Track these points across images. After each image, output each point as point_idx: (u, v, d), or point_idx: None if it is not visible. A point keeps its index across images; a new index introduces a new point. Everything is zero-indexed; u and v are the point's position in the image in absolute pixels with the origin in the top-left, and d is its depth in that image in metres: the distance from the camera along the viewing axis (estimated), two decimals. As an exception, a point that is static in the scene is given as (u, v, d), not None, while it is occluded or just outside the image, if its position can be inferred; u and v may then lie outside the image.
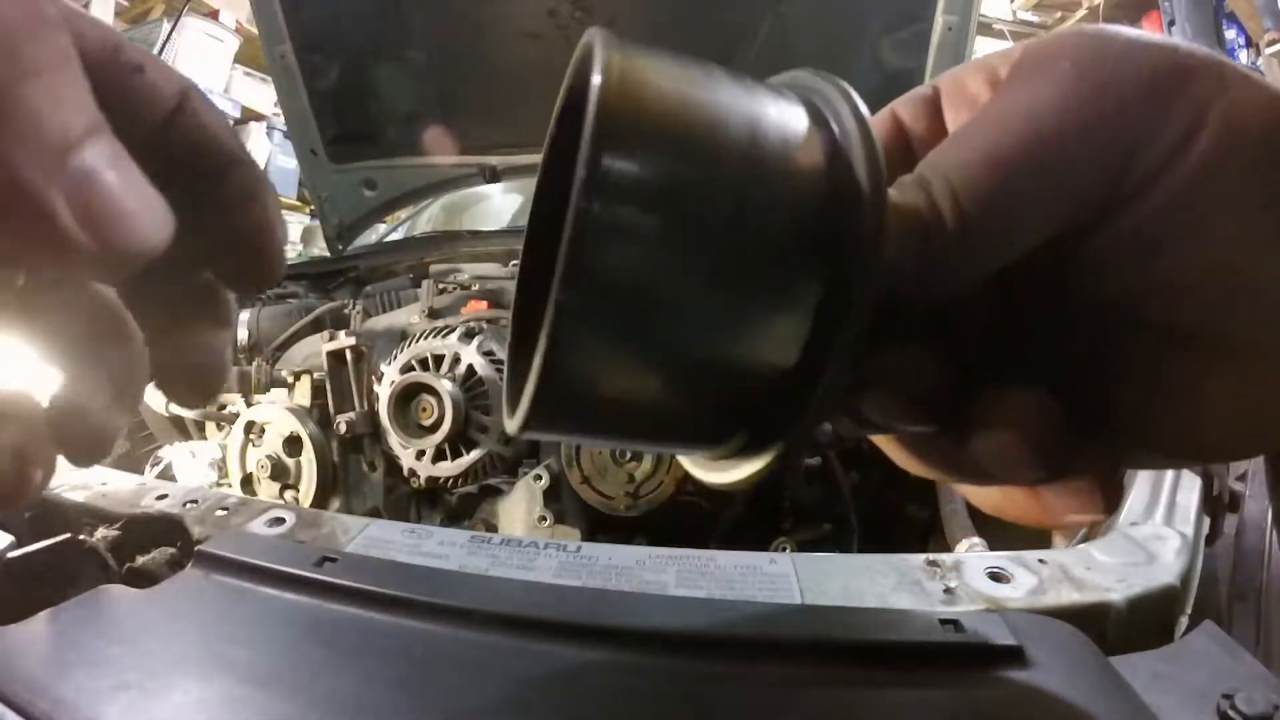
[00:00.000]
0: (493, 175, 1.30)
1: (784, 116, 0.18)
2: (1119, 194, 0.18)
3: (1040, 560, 0.41)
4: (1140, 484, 0.50)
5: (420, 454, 0.83)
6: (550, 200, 0.21)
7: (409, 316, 1.00)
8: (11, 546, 0.40)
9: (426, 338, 0.89)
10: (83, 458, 0.22)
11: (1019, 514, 0.22)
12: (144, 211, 0.16)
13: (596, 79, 0.16)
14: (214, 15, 3.25)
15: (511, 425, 0.19)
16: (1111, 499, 0.21)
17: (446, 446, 0.82)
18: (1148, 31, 0.19)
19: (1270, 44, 2.04)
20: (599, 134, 0.15)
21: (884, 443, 0.23)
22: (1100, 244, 0.19)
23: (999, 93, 0.20)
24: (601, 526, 0.79)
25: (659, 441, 0.22)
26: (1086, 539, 0.49)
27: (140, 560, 0.43)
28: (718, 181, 0.17)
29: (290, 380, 0.91)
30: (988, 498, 0.23)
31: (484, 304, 0.96)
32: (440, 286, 1.00)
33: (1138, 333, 0.19)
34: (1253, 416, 0.19)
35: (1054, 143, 0.18)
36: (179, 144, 0.22)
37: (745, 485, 0.19)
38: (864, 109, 0.18)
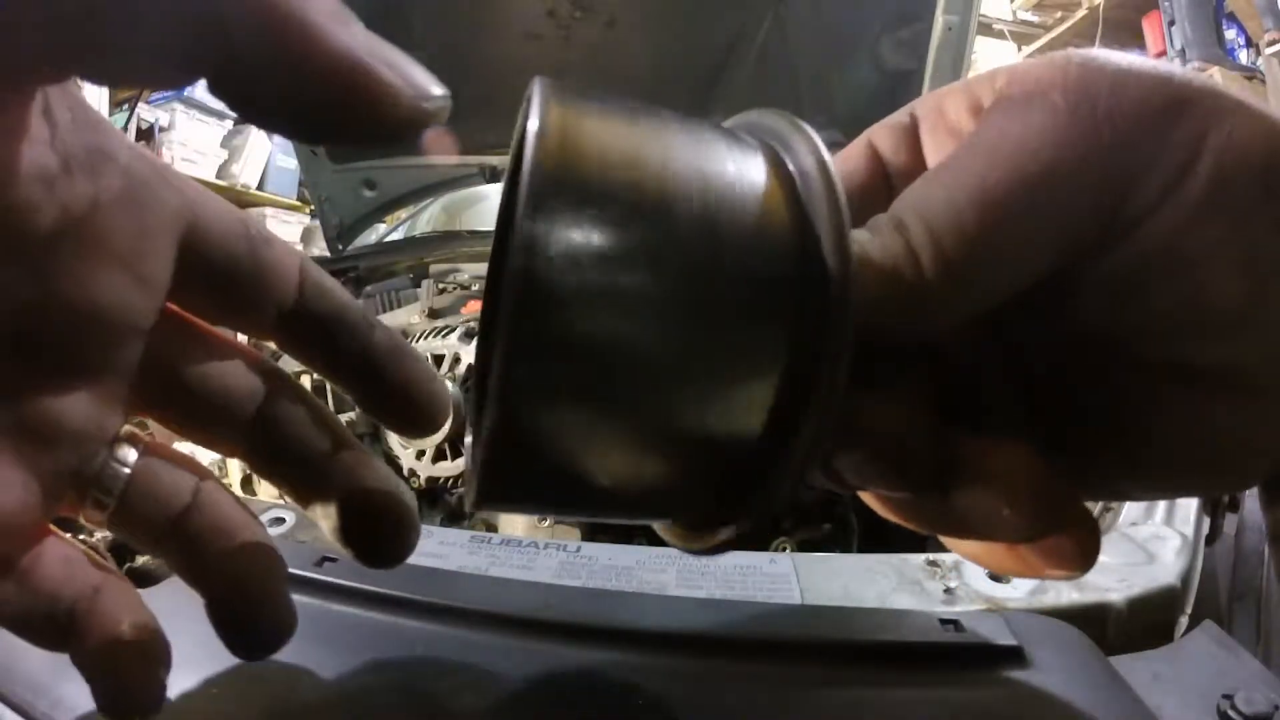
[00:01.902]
0: (493, 175, 1.30)
1: (741, 170, 0.17)
2: (1114, 229, 0.17)
3: (1040, 560, 0.41)
4: (1140, 484, 0.50)
5: (420, 454, 0.83)
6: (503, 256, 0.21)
7: (409, 316, 1.00)
8: (11, 546, 0.40)
9: (426, 338, 0.89)
10: (260, 648, 0.21)
11: (998, 567, 0.22)
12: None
13: (531, 136, 0.15)
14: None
15: (469, 497, 0.18)
16: (1089, 557, 0.20)
17: (447, 446, 0.82)
18: (1140, 58, 0.18)
19: (1270, 44, 2.04)
20: (534, 196, 0.14)
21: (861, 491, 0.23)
22: (1095, 279, 0.18)
23: (981, 125, 0.19)
24: (601, 526, 0.78)
25: (623, 515, 0.21)
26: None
27: (140, 560, 0.43)
28: (667, 246, 0.15)
29: (290, 380, 0.91)
30: (965, 548, 0.23)
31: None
32: (440, 286, 1.00)
33: (1135, 367, 0.19)
34: (1249, 448, 0.19)
35: (1045, 179, 0.17)
36: (314, 314, 0.22)
37: (714, 554, 0.19)
38: (827, 157, 0.17)
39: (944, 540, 0.23)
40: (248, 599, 0.21)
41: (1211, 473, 0.20)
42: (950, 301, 0.18)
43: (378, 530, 0.22)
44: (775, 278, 0.16)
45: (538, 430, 0.16)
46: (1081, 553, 0.20)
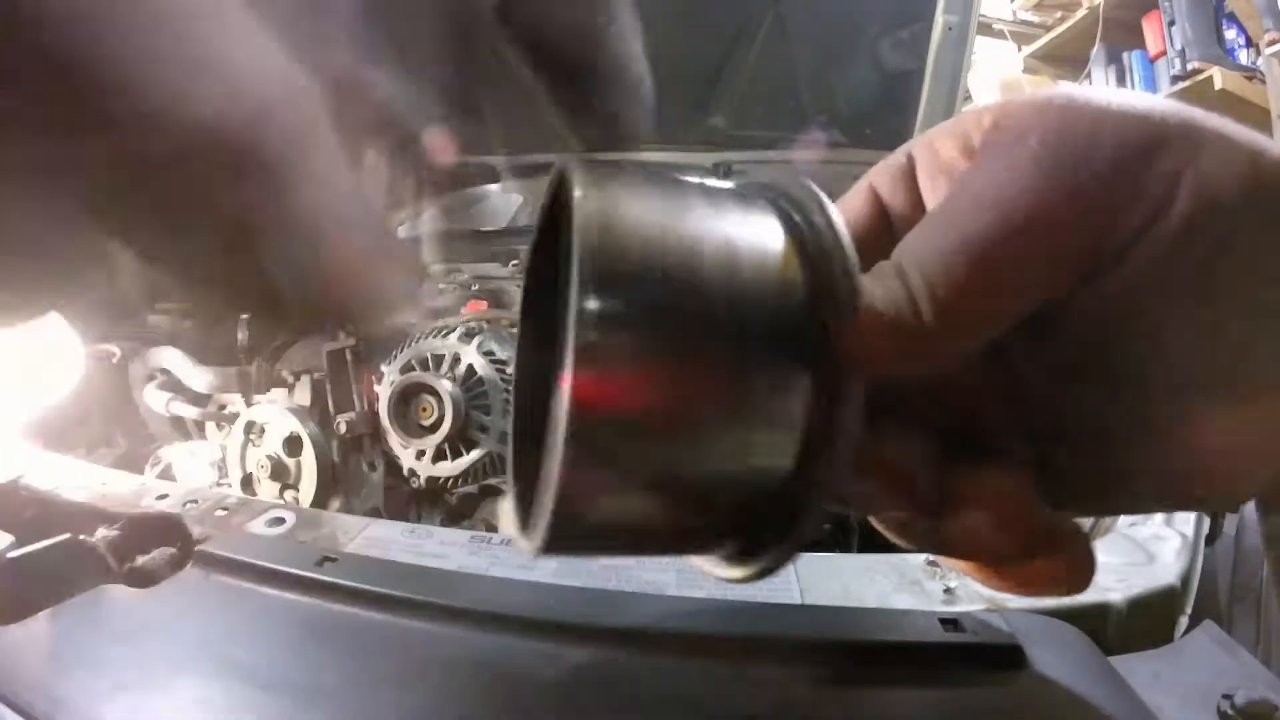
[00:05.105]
0: (492, 175, 1.29)
1: (759, 236, 0.19)
2: (1094, 266, 0.18)
3: (1040, 560, 0.41)
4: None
5: (420, 454, 0.83)
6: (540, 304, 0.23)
7: (409, 316, 1.00)
8: (12, 546, 0.40)
9: (426, 338, 0.89)
10: None
11: (994, 586, 0.23)
12: None
13: (578, 228, 0.17)
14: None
15: (529, 548, 0.19)
16: (1083, 578, 0.21)
17: (446, 446, 0.82)
18: (1121, 93, 0.19)
19: (1270, 44, 2.04)
20: (587, 283, 0.16)
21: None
22: (1082, 312, 0.19)
23: (970, 172, 0.20)
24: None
25: (671, 552, 0.24)
26: (1086, 539, 0.48)
27: (140, 560, 0.43)
28: (702, 313, 0.17)
29: (290, 380, 0.91)
30: (964, 566, 0.23)
31: (484, 304, 0.96)
32: (440, 286, 1.00)
33: (1124, 392, 0.20)
34: (1239, 465, 0.20)
35: (1024, 225, 0.18)
36: None
37: (754, 580, 0.20)
38: (837, 219, 0.19)
39: (944, 560, 0.24)
40: None
41: (1205, 489, 0.21)
42: (947, 343, 0.19)
43: None
44: (797, 335, 0.18)
45: (597, 491, 0.17)
46: (1073, 574, 0.21)
